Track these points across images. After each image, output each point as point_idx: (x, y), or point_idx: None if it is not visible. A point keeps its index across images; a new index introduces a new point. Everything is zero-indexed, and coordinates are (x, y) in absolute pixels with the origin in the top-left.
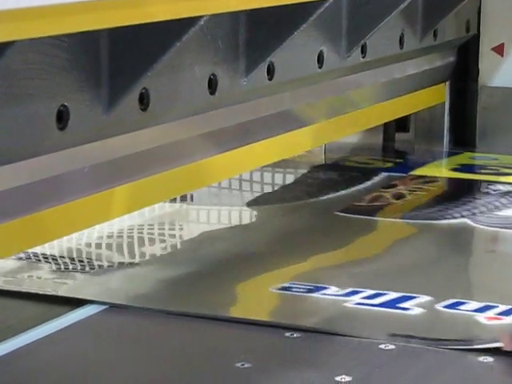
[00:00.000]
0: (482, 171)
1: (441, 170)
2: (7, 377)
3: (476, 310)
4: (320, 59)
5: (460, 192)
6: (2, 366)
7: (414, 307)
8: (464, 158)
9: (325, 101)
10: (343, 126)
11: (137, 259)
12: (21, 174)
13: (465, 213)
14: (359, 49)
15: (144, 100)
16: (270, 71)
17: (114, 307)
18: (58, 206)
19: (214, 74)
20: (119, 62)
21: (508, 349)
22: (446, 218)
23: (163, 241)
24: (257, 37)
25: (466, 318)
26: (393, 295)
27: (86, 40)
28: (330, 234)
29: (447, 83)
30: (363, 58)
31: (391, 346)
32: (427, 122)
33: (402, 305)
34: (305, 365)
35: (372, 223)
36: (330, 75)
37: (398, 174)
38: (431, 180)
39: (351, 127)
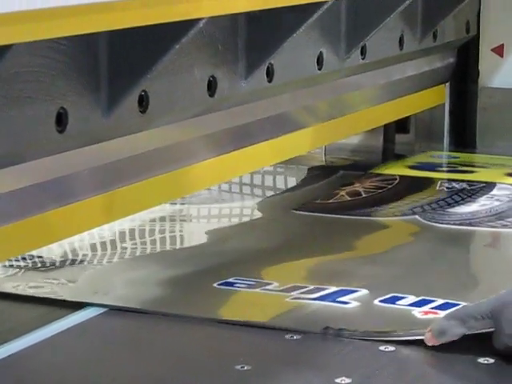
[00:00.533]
0: (439, 169)
1: (398, 168)
2: (7, 379)
3: (412, 305)
4: (319, 61)
5: (414, 189)
6: (2, 368)
7: (352, 301)
8: (425, 156)
9: (324, 102)
10: (343, 128)
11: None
12: (20, 177)
13: (416, 210)
14: (359, 50)
15: (143, 102)
16: (270, 73)
17: (113, 310)
18: (58, 208)
19: (213, 76)
20: (118, 65)
21: (430, 343)
22: (395, 215)
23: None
24: (256, 39)
25: (401, 312)
26: (332, 289)
27: (85, 43)
28: (281, 231)
29: (447, 84)
30: (363, 59)
31: (391, 348)
32: (427, 123)
33: (340, 299)
34: (305, 367)
35: (324, 220)
36: (330, 77)
37: (356, 173)
38: (388, 178)
39: (351, 129)
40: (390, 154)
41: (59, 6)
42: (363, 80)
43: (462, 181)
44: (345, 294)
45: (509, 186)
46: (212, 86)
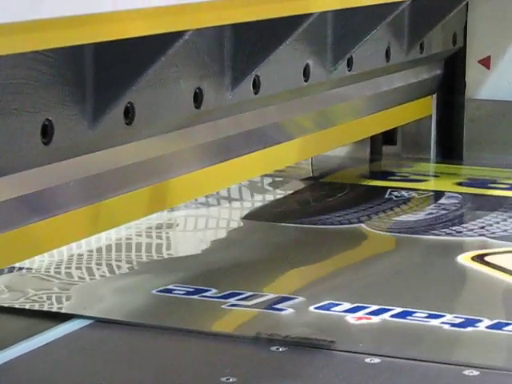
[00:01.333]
0: (391, 178)
1: (350, 177)
2: None
3: (347, 311)
4: (306, 73)
5: (363, 198)
6: None
7: (288, 308)
8: (378, 165)
9: (311, 114)
10: (330, 140)
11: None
12: (5, 189)
13: (363, 218)
14: (345, 62)
15: (129, 114)
16: (256, 85)
17: (99, 321)
18: (43, 220)
19: (199, 88)
20: (104, 76)
21: None
22: (342, 224)
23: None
24: (242, 50)
25: (335, 318)
26: (270, 296)
27: (71, 54)
28: (228, 239)
29: (434, 96)
30: (349, 71)
31: (376, 360)
32: (414, 134)
33: (276, 306)
34: (290, 379)
35: (270, 228)
36: (316, 88)
37: (308, 181)
38: (339, 187)
39: (338, 141)
40: (376, 166)
41: (44, 18)
42: (350, 92)
43: (412, 189)
44: (281, 302)
45: (457, 195)
46: (198, 98)
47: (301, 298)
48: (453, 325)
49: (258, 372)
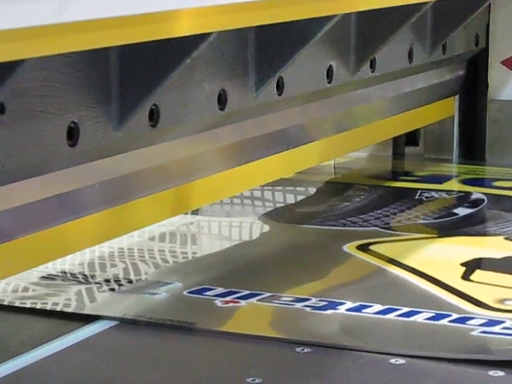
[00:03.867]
0: None
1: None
2: None
3: (218, 295)
4: (329, 74)
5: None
6: (14, 382)
7: (162, 292)
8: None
9: (334, 115)
10: (352, 141)
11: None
12: (32, 191)
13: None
14: (368, 63)
15: (154, 116)
16: (280, 86)
17: (123, 323)
18: (68, 222)
19: (223, 90)
20: (129, 79)
21: None
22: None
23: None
24: (266, 52)
25: (203, 301)
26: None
27: (97, 57)
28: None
29: (456, 97)
30: (372, 72)
31: (401, 361)
32: (437, 135)
33: (152, 290)
34: (315, 380)
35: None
36: (339, 90)
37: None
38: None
39: (360, 142)
40: (399, 167)
41: (70, 21)
42: (373, 93)
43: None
44: (159, 286)
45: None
46: (222, 100)
47: (178, 284)
48: (314, 308)
49: (283, 373)
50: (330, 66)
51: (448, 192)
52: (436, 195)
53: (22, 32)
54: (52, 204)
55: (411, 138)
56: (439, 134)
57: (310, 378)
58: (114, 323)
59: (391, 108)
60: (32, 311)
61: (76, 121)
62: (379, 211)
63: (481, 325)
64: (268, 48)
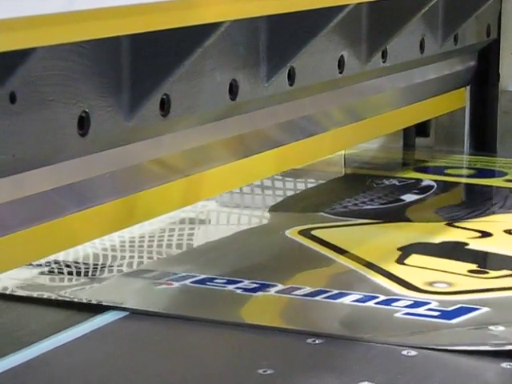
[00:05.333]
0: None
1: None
2: (29, 383)
3: (152, 278)
4: (340, 64)
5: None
6: (23, 372)
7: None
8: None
9: (345, 106)
10: (363, 132)
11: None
12: (42, 181)
13: None
14: (380, 54)
15: (165, 106)
16: (291, 76)
17: (134, 313)
18: (79, 211)
19: (234, 80)
20: (140, 68)
21: None
22: None
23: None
24: (277, 42)
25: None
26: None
27: (108, 46)
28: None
29: (468, 88)
30: (384, 62)
31: (413, 353)
32: (447, 126)
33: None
34: (327, 371)
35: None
36: (351, 80)
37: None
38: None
39: (371, 132)
40: (410, 158)
41: (82, 9)
42: (384, 83)
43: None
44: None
45: None
46: (233, 90)
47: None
48: (245, 289)
49: (295, 364)
50: (342, 56)
51: None
52: None
53: (33, 20)
54: (62, 193)
55: (422, 129)
56: (450, 125)
57: (321, 369)
58: (123, 314)
59: (402, 99)
60: (41, 301)
61: (87, 110)
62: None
63: (406, 306)
64: (279, 38)
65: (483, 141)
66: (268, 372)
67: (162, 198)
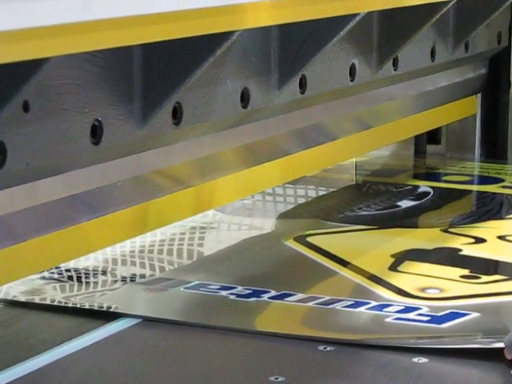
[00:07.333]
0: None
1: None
2: None
3: (146, 283)
4: (352, 72)
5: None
6: (37, 379)
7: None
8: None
9: (356, 113)
10: (374, 139)
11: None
12: (55, 189)
13: None
14: (391, 62)
15: (177, 114)
16: (303, 84)
17: (147, 321)
18: (92, 219)
19: (246, 88)
20: (152, 77)
21: (508, 357)
22: None
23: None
24: (289, 50)
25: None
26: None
27: (120, 55)
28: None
29: (479, 95)
30: (395, 70)
31: (424, 360)
32: (459, 134)
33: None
34: (338, 379)
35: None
36: (362, 88)
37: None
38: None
39: (382, 140)
40: (421, 165)
41: (94, 19)
42: (395, 91)
43: None
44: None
45: None
46: (245, 98)
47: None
48: (238, 295)
49: (306, 371)
50: (353, 64)
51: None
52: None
53: (46, 30)
54: (75, 202)
55: (433, 136)
56: (461, 132)
57: (332, 376)
58: (135, 321)
59: (413, 106)
60: (53, 308)
61: (100, 118)
62: None
63: (396, 311)
64: (291, 46)
65: (495, 148)
66: (279, 379)
67: (174, 206)
